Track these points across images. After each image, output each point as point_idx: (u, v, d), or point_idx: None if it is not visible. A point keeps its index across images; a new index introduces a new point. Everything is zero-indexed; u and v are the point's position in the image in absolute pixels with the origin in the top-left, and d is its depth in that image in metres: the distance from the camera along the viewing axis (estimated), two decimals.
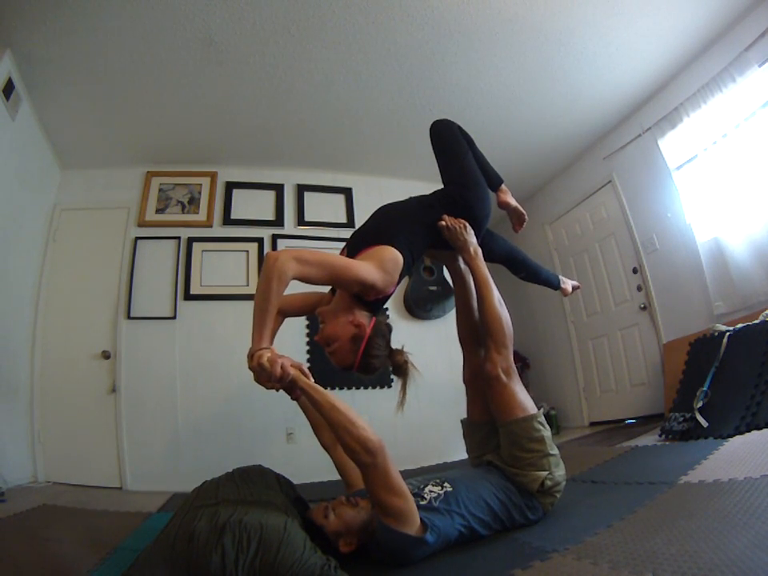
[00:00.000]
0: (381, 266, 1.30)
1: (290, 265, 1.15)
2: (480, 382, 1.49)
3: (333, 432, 1.14)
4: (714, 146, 2.86)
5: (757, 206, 2.62)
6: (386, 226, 1.47)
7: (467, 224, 1.57)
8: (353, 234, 1.54)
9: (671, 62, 2.96)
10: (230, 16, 2.28)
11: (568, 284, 2.08)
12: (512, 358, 1.46)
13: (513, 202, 1.86)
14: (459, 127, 1.77)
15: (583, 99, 3.22)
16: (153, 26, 2.27)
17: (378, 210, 1.61)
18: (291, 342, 2.99)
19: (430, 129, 1.78)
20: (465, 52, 2.68)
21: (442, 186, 1.70)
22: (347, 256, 1.39)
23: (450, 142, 1.73)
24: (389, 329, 1.42)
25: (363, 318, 1.35)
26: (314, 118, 3.12)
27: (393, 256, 1.35)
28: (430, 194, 1.68)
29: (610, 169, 3.68)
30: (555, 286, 2.04)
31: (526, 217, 1.90)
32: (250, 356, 1.15)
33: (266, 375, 1.12)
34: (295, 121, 3.14)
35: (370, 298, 1.34)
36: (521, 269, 1.93)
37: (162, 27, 2.29)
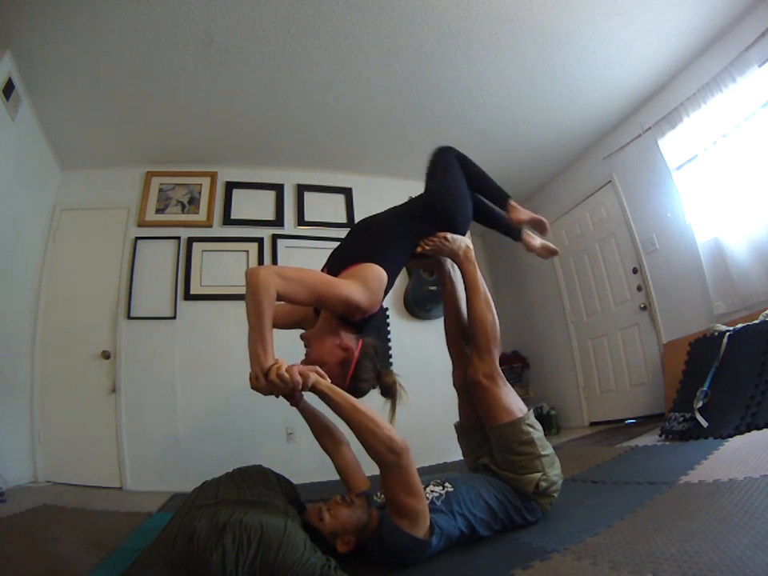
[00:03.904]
0: (365, 284, 1.26)
1: (272, 278, 1.12)
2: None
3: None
4: (714, 146, 2.86)
5: (757, 205, 2.62)
6: (367, 242, 1.44)
7: (447, 234, 1.55)
8: (332, 253, 1.51)
9: (671, 62, 2.96)
10: (230, 16, 2.28)
11: (536, 240, 1.88)
12: (496, 363, 1.43)
13: (525, 215, 1.77)
14: (456, 151, 1.77)
15: (583, 99, 3.22)
16: (153, 26, 2.27)
17: (356, 225, 1.58)
18: (292, 341, 2.99)
19: (432, 153, 1.78)
20: (465, 52, 2.67)
21: (420, 197, 1.68)
22: (329, 275, 1.34)
23: (438, 159, 1.73)
24: (376, 350, 1.39)
25: (350, 340, 1.32)
26: (314, 117, 3.12)
27: (377, 273, 1.31)
28: (406, 204, 1.65)
29: (609, 169, 3.68)
30: (515, 236, 1.87)
31: (545, 220, 1.81)
32: (264, 374, 1.09)
33: (287, 387, 1.08)
34: (295, 121, 3.14)
35: (356, 319, 1.31)
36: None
37: (162, 27, 2.29)
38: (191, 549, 0.94)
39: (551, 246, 1.85)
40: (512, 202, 1.77)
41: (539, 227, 1.83)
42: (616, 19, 2.55)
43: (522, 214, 1.77)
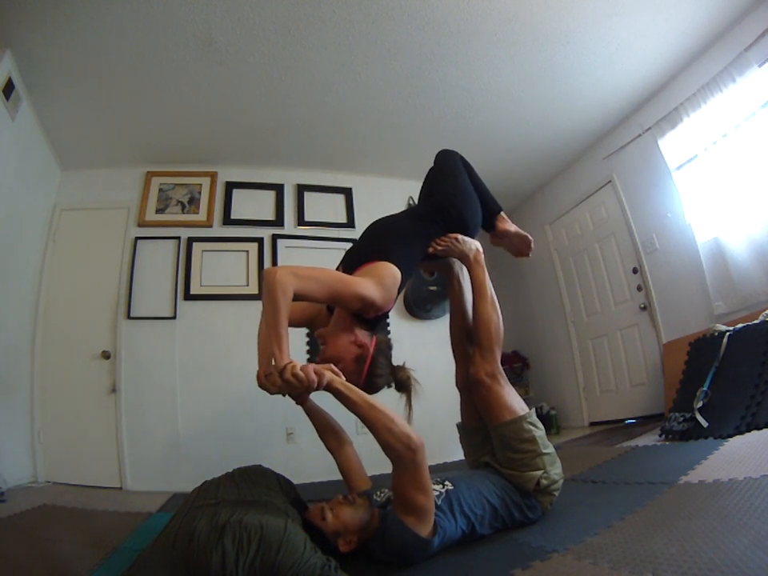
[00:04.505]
0: (380, 282, 1.28)
1: (289, 279, 1.13)
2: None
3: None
4: (714, 146, 2.86)
5: (757, 205, 2.62)
6: (381, 241, 1.46)
7: (458, 235, 1.57)
8: (347, 252, 1.53)
9: (671, 62, 2.96)
10: (230, 16, 2.28)
11: (510, 225, 1.79)
12: (498, 362, 1.45)
13: (512, 227, 1.80)
14: (461, 156, 1.79)
15: (583, 99, 3.22)
16: (153, 25, 2.27)
17: (371, 226, 1.60)
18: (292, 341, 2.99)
19: (436, 155, 1.80)
20: (465, 52, 2.67)
21: (430, 199, 1.69)
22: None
23: (447, 163, 1.75)
24: (389, 346, 1.41)
25: (365, 337, 1.34)
26: (314, 117, 3.12)
27: (391, 272, 1.33)
28: (420, 206, 1.67)
29: (609, 169, 3.68)
30: (493, 213, 1.79)
31: (531, 238, 1.80)
32: (279, 372, 1.08)
33: (301, 386, 1.07)
34: (295, 121, 3.14)
35: (370, 316, 1.33)
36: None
37: (162, 27, 2.29)
38: (191, 549, 0.94)
39: (524, 233, 1.79)
40: (502, 214, 1.80)
41: (523, 243, 1.82)
42: (616, 19, 2.54)
43: (510, 226, 1.80)
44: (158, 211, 3.30)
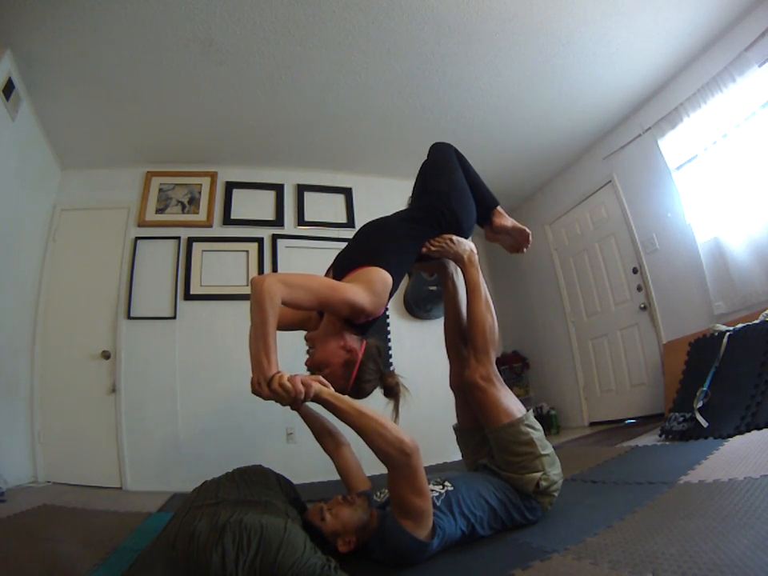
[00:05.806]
0: (370, 287, 1.27)
1: (277, 287, 1.12)
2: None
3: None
4: (714, 146, 2.86)
5: (757, 205, 2.62)
6: (372, 245, 1.44)
7: (452, 236, 1.56)
8: (338, 256, 1.51)
9: (671, 62, 2.96)
10: (230, 16, 2.28)
11: (507, 219, 1.78)
12: (493, 364, 1.44)
13: (509, 222, 1.77)
14: (456, 150, 1.77)
15: (583, 99, 3.22)
16: (153, 26, 2.27)
17: (361, 228, 1.57)
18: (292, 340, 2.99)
19: (429, 149, 1.79)
20: (465, 52, 2.67)
21: (424, 198, 1.67)
22: (334, 278, 1.34)
23: (442, 158, 1.73)
24: (379, 351, 1.40)
25: (354, 342, 1.33)
26: (314, 117, 3.12)
27: (382, 277, 1.32)
28: (411, 208, 1.65)
29: (609, 169, 3.68)
30: (489, 208, 1.77)
31: (529, 231, 1.78)
32: (267, 382, 1.08)
33: (289, 396, 1.07)
34: (295, 121, 3.14)
35: (360, 321, 1.32)
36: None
37: (162, 27, 2.29)
38: (191, 549, 0.94)
39: (521, 226, 1.77)
40: (499, 209, 1.78)
41: (521, 237, 1.79)
42: (616, 19, 2.54)
43: (507, 221, 1.77)
44: (158, 211, 3.30)
